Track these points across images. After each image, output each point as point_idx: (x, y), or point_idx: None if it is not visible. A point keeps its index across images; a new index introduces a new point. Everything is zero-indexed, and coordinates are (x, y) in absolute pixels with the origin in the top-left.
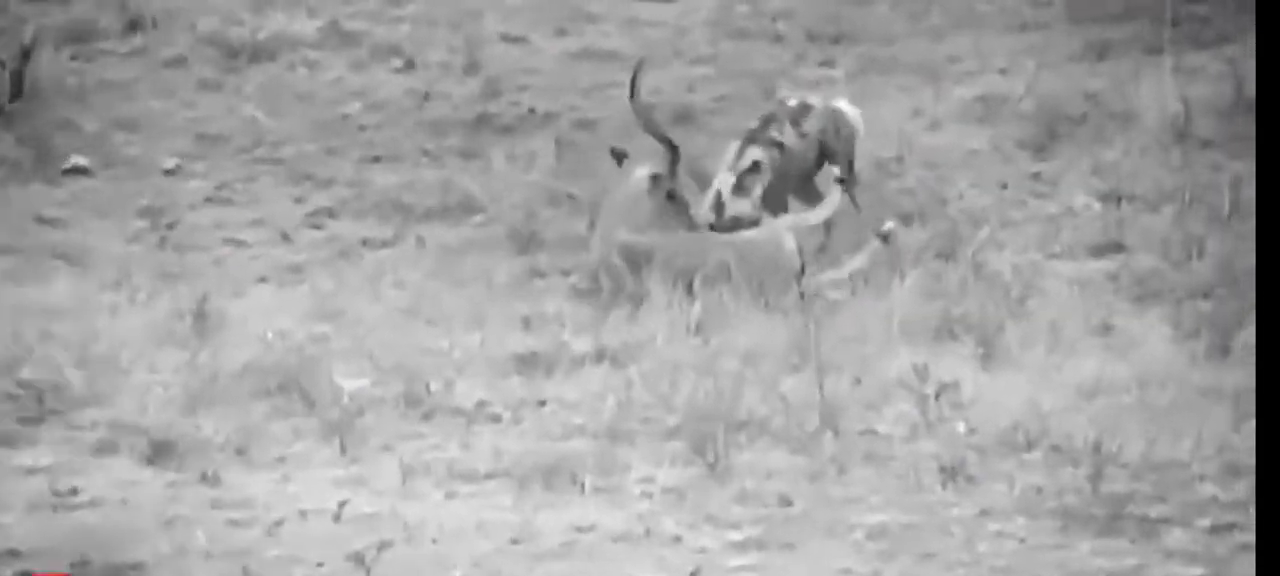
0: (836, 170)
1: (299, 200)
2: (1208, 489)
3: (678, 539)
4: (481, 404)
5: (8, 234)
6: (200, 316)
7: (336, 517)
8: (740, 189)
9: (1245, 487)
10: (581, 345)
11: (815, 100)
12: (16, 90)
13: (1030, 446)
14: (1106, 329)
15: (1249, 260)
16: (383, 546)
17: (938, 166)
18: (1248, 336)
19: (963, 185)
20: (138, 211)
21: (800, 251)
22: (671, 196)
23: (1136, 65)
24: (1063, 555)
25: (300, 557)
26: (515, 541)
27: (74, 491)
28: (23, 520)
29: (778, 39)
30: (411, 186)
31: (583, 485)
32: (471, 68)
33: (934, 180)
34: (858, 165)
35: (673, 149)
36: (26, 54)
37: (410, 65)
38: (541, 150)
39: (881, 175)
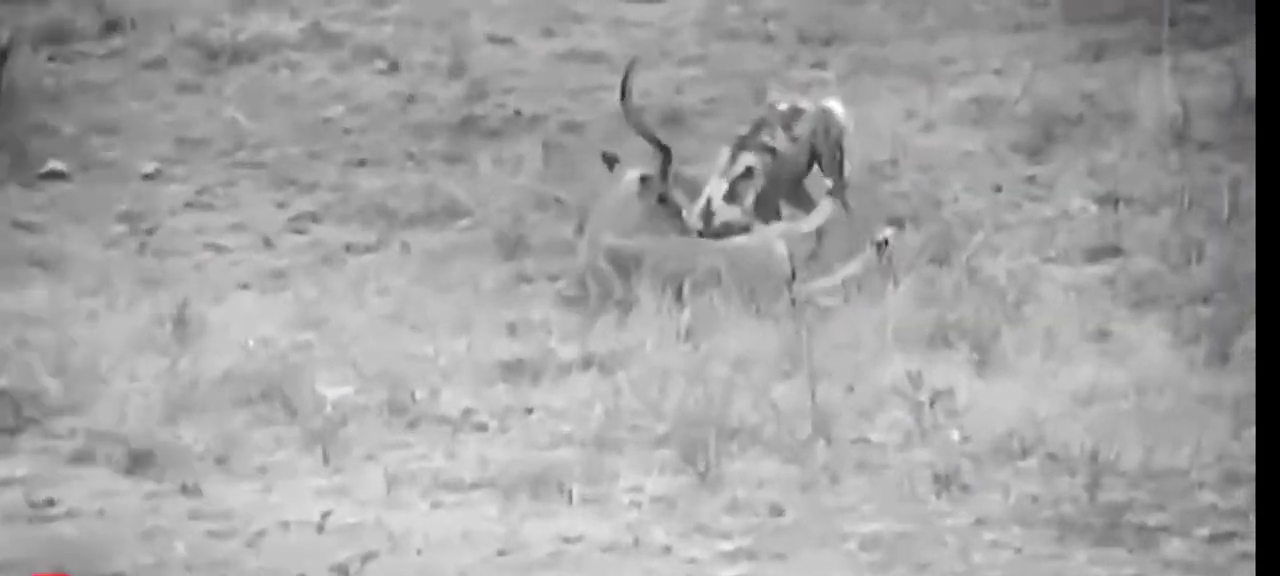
0: (828, 182)
1: (281, 205)
2: (1207, 497)
3: (667, 549)
4: (467, 412)
5: None
6: (180, 323)
7: (319, 528)
8: (732, 196)
9: (1245, 496)
10: (569, 352)
11: (806, 103)
12: None
13: (1026, 454)
14: (1103, 334)
15: (1249, 264)
16: (367, 558)
17: (932, 169)
18: (1248, 342)
19: (957, 188)
20: (116, 216)
21: (791, 257)
22: (663, 200)
23: (1134, 66)
24: (1059, 565)
25: (282, 570)
26: (502, 552)
27: (51, 502)
28: None
29: (768, 40)
30: (396, 190)
31: (570, 494)
32: (457, 69)
33: (928, 183)
34: (849, 168)
35: (664, 151)
36: (3, 56)
37: (394, 67)
38: (528, 153)
39: (874, 178)
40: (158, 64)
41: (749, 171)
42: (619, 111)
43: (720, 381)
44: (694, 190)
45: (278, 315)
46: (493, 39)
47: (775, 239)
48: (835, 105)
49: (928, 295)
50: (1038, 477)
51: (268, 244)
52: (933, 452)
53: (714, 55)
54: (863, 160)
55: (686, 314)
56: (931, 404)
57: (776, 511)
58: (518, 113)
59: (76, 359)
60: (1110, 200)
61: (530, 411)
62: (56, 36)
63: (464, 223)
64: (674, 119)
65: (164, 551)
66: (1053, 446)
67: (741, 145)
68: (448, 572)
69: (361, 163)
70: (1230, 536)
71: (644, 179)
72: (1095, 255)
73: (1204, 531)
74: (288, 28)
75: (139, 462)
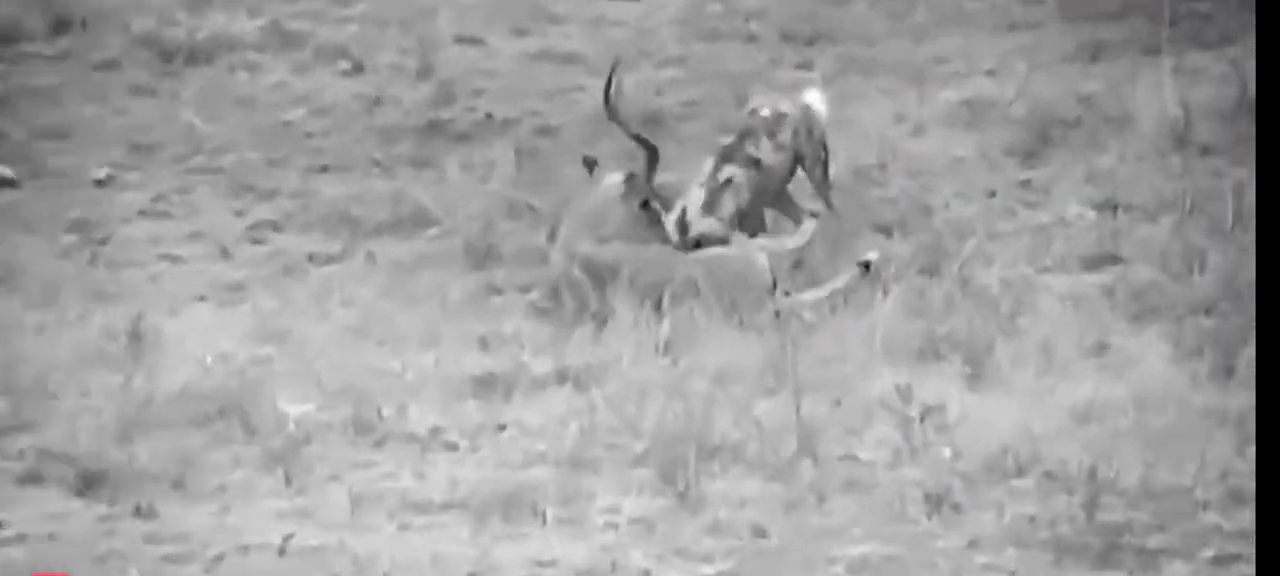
0: (811, 210)
1: (240, 213)
2: (1210, 518)
3: (646, 573)
4: (436, 430)
5: None
6: (134, 337)
7: (281, 552)
8: (709, 206)
9: (1250, 516)
10: (542, 366)
11: (789, 106)
12: None
13: (1021, 472)
14: (1102, 347)
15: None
16: None
17: (922, 175)
18: (1253, 354)
19: (948, 194)
20: (67, 225)
21: (773, 268)
22: (645, 205)
23: (1133, 66)
24: None
25: None
26: None
27: None
28: None
29: (751, 39)
30: (360, 198)
31: (544, 516)
32: (424, 71)
33: (918, 189)
34: (834, 169)
35: (651, 151)
36: None
37: (358, 68)
38: (500, 158)
39: (861, 183)
40: (110, 65)
41: (728, 181)
42: (595, 115)
43: (701, 397)
44: (674, 197)
45: (236, 329)
46: (462, 39)
47: (756, 250)
48: (814, 99)
49: (918, 306)
50: (1033, 497)
51: (226, 254)
52: (923, 471)
53: (694, 56)
54: (849, 165)
55: (665, 326)
56: (922, 420)
57: (760, 533)
58: (488, 116)
59: (25, 375)
60: (1109, 206)
61: (502, 429)
62: (3, 37)
63: (432, 231)
64: (653, 122)
65: None
66: (1049, 464)
67: (726, 157)
68: None
69: (324, 168)
70: (1235, 558)
71: (629, 178)
72: (1093, 264)
73: (1208, 553)
74: (246, 27)
75: (91, 484)
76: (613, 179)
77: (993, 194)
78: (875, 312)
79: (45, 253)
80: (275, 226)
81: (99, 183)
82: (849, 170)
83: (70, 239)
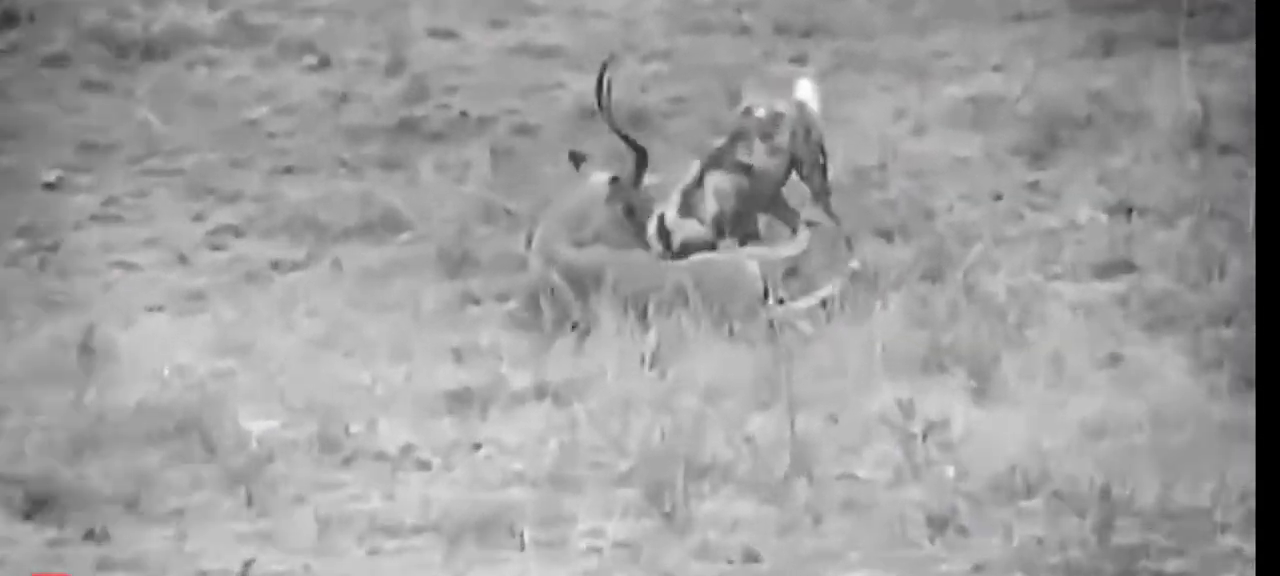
0: (806, 219)
1: (199, 217)
2: (1230, 541)
3: None
4: (407, 448)
5: None
6: (86, 350)
7: None
8: (686, 210)
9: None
10: (521, 380)
11: (785, 106)
12: None
13: (1029, 493)
14: (1115, 359)
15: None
16: None
17: (923, 176)
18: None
19: (952, 197)
20: (14, 231)
21: (765, 276)
22: (630, 211)
23: (1148, 60)
24: None
25: None
26: None
27: None
28: None
29: (742, 32)
30: (327, 201)
31: (522, 539)
32: (395, 66)
33: (919, 191)
34: (832, 173)
35: (639, 152)
36: None
37: (325, 63)
38: (475, 159)
39: (860, 184)
40: (59, 60)
41: (705, 186)
42: (576, 113)
43: (689, 412)
44: (658, 202)
45: (195, 340)
46: (435, 32)
47: (746, 256)
48: (806, 92)
49: (920, 316)
50: (1043, 518)
51: (184, 261)
52: (926, 491)
53: (682, 49)
54: (847, 165)
55: (652, 337)
56: (924, 436)
57: (751, 557)
58: (463, 114)
59: None
60: (1122, 210)
61: (478, 447)
62: None
63: (403, 237)
64: (638, 120)
65: None
66: (1059, 484)
67: (714, 162)
68: None
69: (288, 170)
70: None
71: (614, 181)
72: (1106, 271)
73: None
74: (205, 19)
75: (40, 506)
76: (598, 178)
77: (999, 196)
78: (874, 322)
79: None
80: (236, 231)
81: (48, 185)
82: (847, 171)
83: (18, 245)
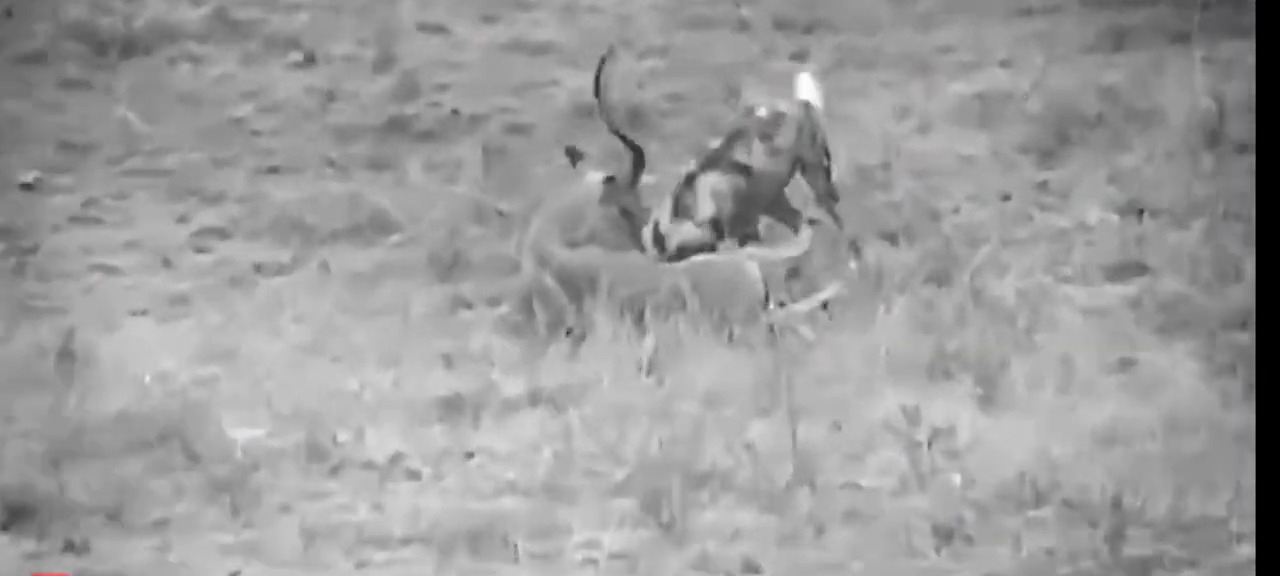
0: (810, 215)
1: (182, 219)
2: (1245, 550)
3: None
4: (397, 456)
5: None
6: (66, 356)
7: None
8: (678, 212)
9: None
10: (514, 387)
11: (787, 105)
12: None
13: (1039, 502)
14: (1126, 364)
15: None
16: None
17: (928, 176)
18: None
19: (958, 197)
20: None
21: (765, 278)
22: (626, 213)
23: (1160, 55)
24: None
25: None
26: None
27: None
28: None
29: (742, 27)
30: (314, 202)
31: (515, 551)
32: (384, 62)
33: (924, 192)
34: (836, 174)
35: (637, 152)
36: None
37: (311, 60)
38: (466, 158)
39: (863, 185)
40: (37, 57)
41: (697, 188)
42: (570, 111)
43: (688, 419)
44: (654, 206)
45: (178, 346)
46: (425, 27)
47: (746, 259)
48: (806, 87)
49: (926, 320)
50: (1053, 528)
51: (166, 264)
52: (931, 500)
53: (679, 46)
54: (850, 165)
55: (649, 342)
56: (930, 444)
57: (752, 568)
58: (454, 112)
59: None
60: (1133, 210)
61: (470, 456)
62: None
63: (392, 239)
64: (634, 118)
65: None
66: (1069, 492)
67: (710, 163)
68: None
69: (274, 170)
70: None
71: (609, 181)
72: (1117, 273)
73: None
74: (188, 15)
75: (18, 517)
76: (593, 177)
77: (1007, 197)
78: (879, 327)
79: None
80: (221, 234)
81: (26, 186)
82: (850, 171)
83: None
